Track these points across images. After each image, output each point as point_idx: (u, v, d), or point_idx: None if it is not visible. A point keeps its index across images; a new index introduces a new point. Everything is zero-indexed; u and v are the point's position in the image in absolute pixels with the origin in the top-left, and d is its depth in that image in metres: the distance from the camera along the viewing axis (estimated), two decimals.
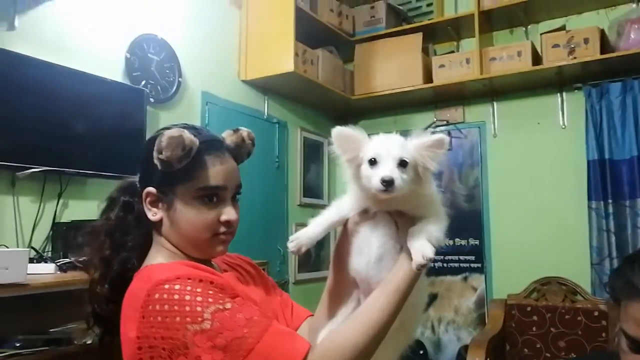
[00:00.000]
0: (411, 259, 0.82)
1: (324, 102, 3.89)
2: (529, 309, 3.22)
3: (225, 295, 0.81)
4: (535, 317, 3.17)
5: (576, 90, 3.38)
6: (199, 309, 0.78)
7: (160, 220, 0.94)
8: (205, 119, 2.90)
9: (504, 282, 3.50)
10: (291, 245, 0.90)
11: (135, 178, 1.01)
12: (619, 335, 0.91)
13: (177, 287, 0.80)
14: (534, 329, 3.16)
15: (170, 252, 0.94)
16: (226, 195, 0.94)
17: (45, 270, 1.79)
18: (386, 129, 4.06)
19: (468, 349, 2.92)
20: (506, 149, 3.65)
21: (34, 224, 2.00)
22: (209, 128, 2.24)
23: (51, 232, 2.05)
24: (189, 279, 0.81)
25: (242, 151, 1.02)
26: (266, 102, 3.47)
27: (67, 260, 1.89)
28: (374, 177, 0.80)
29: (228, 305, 0.79)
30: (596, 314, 3.01)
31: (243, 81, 3.27)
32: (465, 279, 3.70)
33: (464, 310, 3.68)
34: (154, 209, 0.94)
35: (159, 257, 0.94)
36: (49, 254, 1.99)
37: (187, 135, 0.88)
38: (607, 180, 3.16)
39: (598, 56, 3.06)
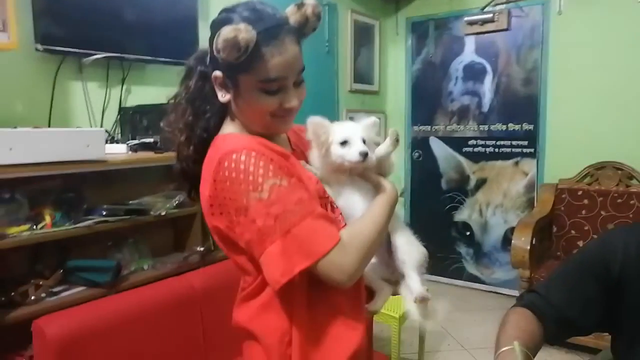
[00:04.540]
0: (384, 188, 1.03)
1: None
2: (580, 192, 3.22)
3: (282, 173, 0.90)
4: (585, 201, 3.19)
5: None
6: (260, 179, 0.87)
7: (229, 101, 0.99)
8: None
9: (557, 167, 3.47)
10: None
11: None
12: None
13: (242, 157, 0.89)
14: (583, 212, 3.18)
15: (240, 126, 1.02)
16: (287, 83, 0.95)
17: (118, 151, 1.95)
18: (441, 8, 3.89)
19: (515, 229, 3.02)
20: (572, 28, 3.41)
21: (103, 108, 2.14)
22: None
23: (119, 116, 2.19)
24: (253, 151, 0.90)
25: (306, 30, 0.98)
26: None
27: (136, 141, 2.05)
28: (349, 153, 0.99)
29: (284, 182, 0.89)
30: None
31: None
32: (517, 163, 3.69)
33: (512, 195, 3.73)
34: (223, 91, 0.99)
35: (230, 127, 1.02)
36: (119, 136, 2.15)
37: (243, 35, 0.87)
38: None
39: None
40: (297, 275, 0.86)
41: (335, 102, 3.63)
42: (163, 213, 1.93)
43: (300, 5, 0.97)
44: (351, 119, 3.73)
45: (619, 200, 3.08)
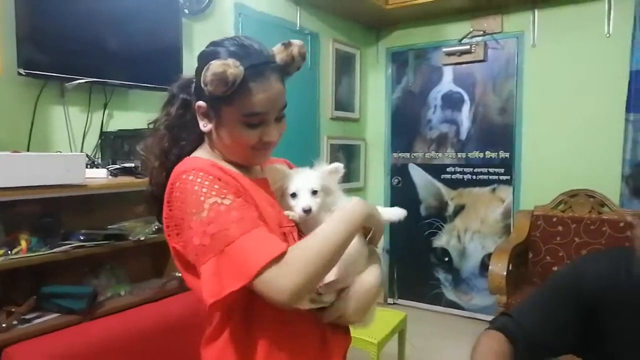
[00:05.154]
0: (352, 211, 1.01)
1: (358, 12, 3.80)
2: (554, 219, 3.30)
3: (228, 192, 0.91)
4: (560, 228, 3.26)
5: None
6: (202, 198, 0.89)
7: (211, 131, 1.02)
8: (239, 31, 2.90)
9: (532, 194, 3.56)
10: None
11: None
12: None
13: (190, 178, 0.92)
14: (558, 238, 3.25)
15: (213, 153, 1.05)
16: (269, 118, 0.98)
17: (98, 175, 1.94)
18: (421, 39, 4.01)
19: (492, 255, 3.06)
20: (545, 60, 3.54)
21: (84, 133, 2.14)
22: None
23: (100, 141, 2.19)
24: (201, 172, 0.92)
25: (291, 69, 1.02)
26: (299, 12, 3.42)
27: (117, 166, 2.05)
28: (297, 207, 1.03)
29: (227, 201, 0.89)
30: (622, 224, 3.06)
31: None
32: (494, 190, 3.77)
33: (490, 221, 3.80)
34: (205, 120, 1.01)
35: (199, 152, 1.05)
36: (99, 161, 2.15)
37: (232, 70, 0.90)
38: None
39: None
40: (227, 296, 0.84)
41: (316, 129, 3.68)
42: (142, 238, 1.92)
43: (287, 45, 1.00)
44: (332, 145, 3.79)
45: (592, 227, 3.17)
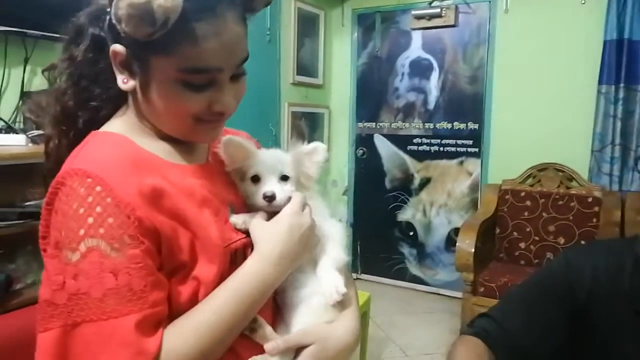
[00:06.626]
0: (259, 254, 0.73)
1: None
2: (522, 194, 3.20)
3: (124, 234, 0.61)
4: (528, 202, 3.16)
5: None
6: (81, 232, 0.60)
7: (135, 89, 0.70)
8: None
9: (501, 167, 3.44)
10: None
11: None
12: None
13: (81, 190, 0.62)
14: (525, 213, 3.16)
15: (140, 125, 0.73)
16: (222, 77, 0.69)
17: (16, 142, 1.66)
18: (389, 1, 3.75)
19: (459, 231, 2.94)
20: (517, 27, 3.37)
21: (0, 93, 1.83)
22: None
23: (20, 102, 1.88)
24: (99, 185, 0.62)
25: (257, 3, 0.71)
26: None
27: (40, 132, 1.75)
28: (257, 194, 0.79)
29: (114, 254, 0.60)
30: (590, 200, 2.99)
31: None
32: (461, 163, 3.63)
33: (457, 195, 3.68)
34: (125, 73, 0.69)
35: (118, 123, 0.74)
36: (20, 125, 1.85)
37: (161, 1, 0.59)
38: (622, 62, 2.96)
39: None
40: None
41: (277, 95, 3.42)
42: None
43: None
44: (293, 113, 3.55)
45: (560, 202, 3.08)
